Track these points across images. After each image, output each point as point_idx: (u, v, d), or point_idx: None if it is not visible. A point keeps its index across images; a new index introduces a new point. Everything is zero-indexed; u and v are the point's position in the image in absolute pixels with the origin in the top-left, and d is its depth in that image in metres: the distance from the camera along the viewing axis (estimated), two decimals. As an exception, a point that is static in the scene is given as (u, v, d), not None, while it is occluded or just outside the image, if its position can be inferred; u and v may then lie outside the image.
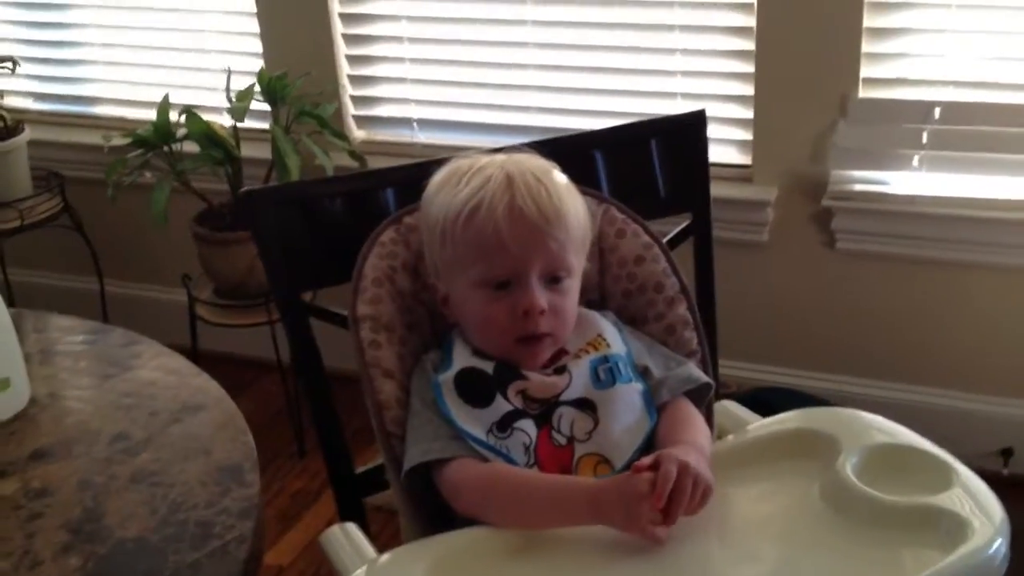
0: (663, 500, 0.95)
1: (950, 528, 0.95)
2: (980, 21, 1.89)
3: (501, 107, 2.26)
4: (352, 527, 1.11)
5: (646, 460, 0.98)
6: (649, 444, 1.09)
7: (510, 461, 1.07)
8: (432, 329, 1.20)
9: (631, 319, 1.23)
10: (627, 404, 1.11)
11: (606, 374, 1.12)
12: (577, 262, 1.14)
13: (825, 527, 1.00)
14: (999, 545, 0.92)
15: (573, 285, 1.14)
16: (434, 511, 1.09)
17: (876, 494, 0.99)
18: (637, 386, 1.13)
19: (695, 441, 1.07)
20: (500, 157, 1.16)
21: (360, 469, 1.22)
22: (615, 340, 1.16)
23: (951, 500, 0.98)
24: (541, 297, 1.10)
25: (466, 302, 1.13)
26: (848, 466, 1.02)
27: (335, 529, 1.10)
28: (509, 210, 1.09)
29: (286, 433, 2.28)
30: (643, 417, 1.11)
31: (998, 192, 1.94)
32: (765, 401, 2.06)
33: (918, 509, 0.97)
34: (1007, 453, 2.01)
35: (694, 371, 1.17)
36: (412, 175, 1.24)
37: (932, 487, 1.00)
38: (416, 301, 1.19)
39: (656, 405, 1.12)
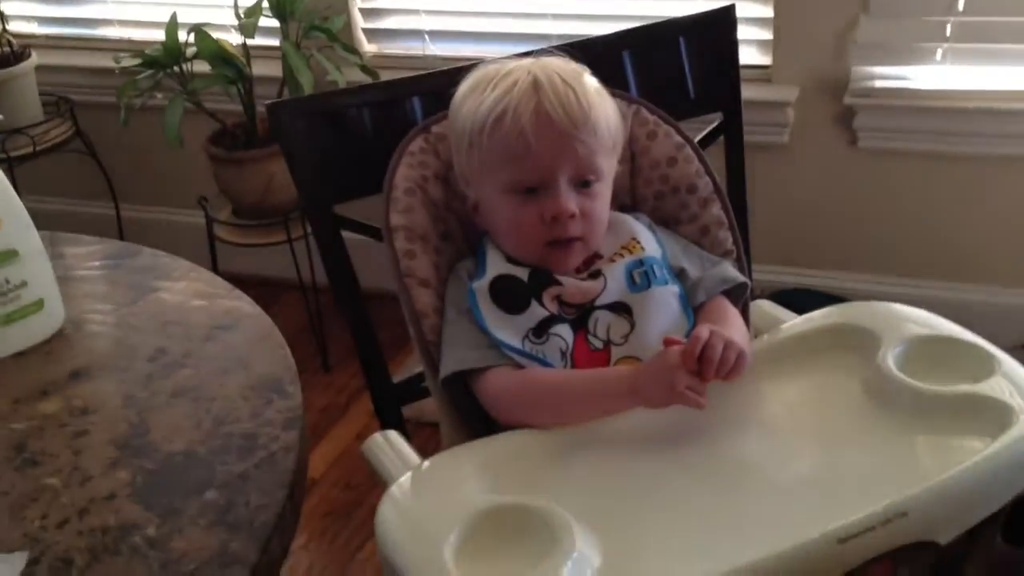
0: (694, 359, 0.97)
1: (994, 415, 0.95)
2: (1006, -94, 1.84)
3: (515, 14, 2.22)
4: (394, 434, 1.12)
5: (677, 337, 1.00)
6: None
7: (546, 366, 1.07)
8: (465, 238, 1.20)
9: (664, 221, 1.22)
10: (663, 306, 1.10)
11: (641, 277, 1.11)
12: (607, 166, 1.13)
13: (868, 420, 1.00)
14: (1044, 430, 0.93)
15: (604, 189, 1.13)
16: (474, 416, 1.10)
17: (919, 384, 0.99)
18: (673, 288, 1.12)
19: (731, 325, 1.07)
20: (528, 61, 1.14)
21: (397, 379, 1.22)
22: (649, 242, 1.15)
23: (994, 387, 0.98)
24: (570, 201, 1.09)
25: (496, 209, 1.12)
26: (889, 358, 1.03)
27: (377, 437, 1.11)
28: (536, 115, 1.08)
29: (310, 349, 2.29)
30: (680, 319, 1.11)
31: (1023, 84, 1.91)
32: (789, 303, 2.07)
33: (961, 397, 0.98)
34: (1030, 347, 2.01)
35: (729, 271, 1.16)
36: (438, 83, 1.22)
37: (974, 376, 1.00)
38: (448, 210, 1.19)
39: (692, 306, 1.12)
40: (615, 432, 1.01)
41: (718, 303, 1.13)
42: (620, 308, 1.10)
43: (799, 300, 2.08)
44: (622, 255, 1.13)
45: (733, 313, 1.13)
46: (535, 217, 1.09)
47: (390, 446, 1.09)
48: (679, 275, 1.14)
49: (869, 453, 0.97)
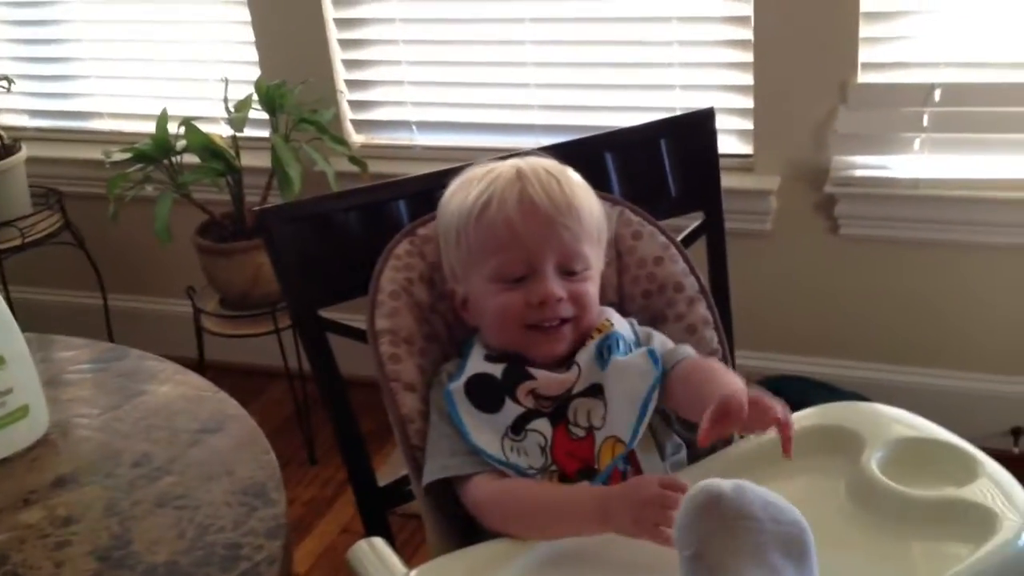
0: (674, 496, 0.92)
1: (978, 520, 0.95)
2: (977, 1, 1.88)
3: (500, 106, 2.26)
4: (379, 541, 1.11)
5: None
6: (654, 398, 1.08)
7: (523, 469, 1.06)
8: (451, 339, 1.20)
9: (652, 319, 1.23)
10: (629, 371, 1.09)
11: (607, 352, 1.11)
12: (594, 256, 1.14)
13: (852, 524, 1.00)
14: (1028, 536, 0.93)
15: (592, 276, 1.14)
16: (458, 520, 1.10)
17: (902, 489, 0.99)
18: (640, 350, 1.11)
19: (740, 386, 1.03)
20: (513, 159, 1.16)
21: (383, 483, 1.22)
22: (619, 321, 1.16)
23: (977, 492, 0.98)
24: (557, 286, 1.10)
25: (483, 299, 1.13)
26: (873, 461, 1.03)
27: (362, 545, 1.10)
28: (520, 201, 1.10)
29: (296, 441, 2.28)
30: (646, 374, 1.08)
31: (1002, 172, 1.94)
32: (775, 389, 2.07)
33: (945, 502, 0.98)
34: (1017, 432, 2.02)
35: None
36: (424, 185, 1.24)
37: (958, 479, 1.00)
38: (433, 312, 1.19)
39: (667, 367, 1.10)
40: (601, 538, 1.00)
41: (697, 360, 1.11)
42: (595, 390, 1.10)
43: (783, 387, 2.10)
44: (593, 337, 1.13)
45: (714, 363, 1.11)
46: (520, 300, 1.10)
47: (375, 554, 1.08)
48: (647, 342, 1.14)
49: (854, 558, 0.97)
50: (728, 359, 1.23)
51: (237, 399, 1.24)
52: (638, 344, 1.14)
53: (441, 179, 1.20)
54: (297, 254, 1.20)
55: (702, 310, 1.23)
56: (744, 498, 0.85)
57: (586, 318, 1.13)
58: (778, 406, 0.95)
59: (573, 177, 1.15)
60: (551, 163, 1.16)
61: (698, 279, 1.24)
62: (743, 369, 2.09)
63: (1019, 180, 1.93)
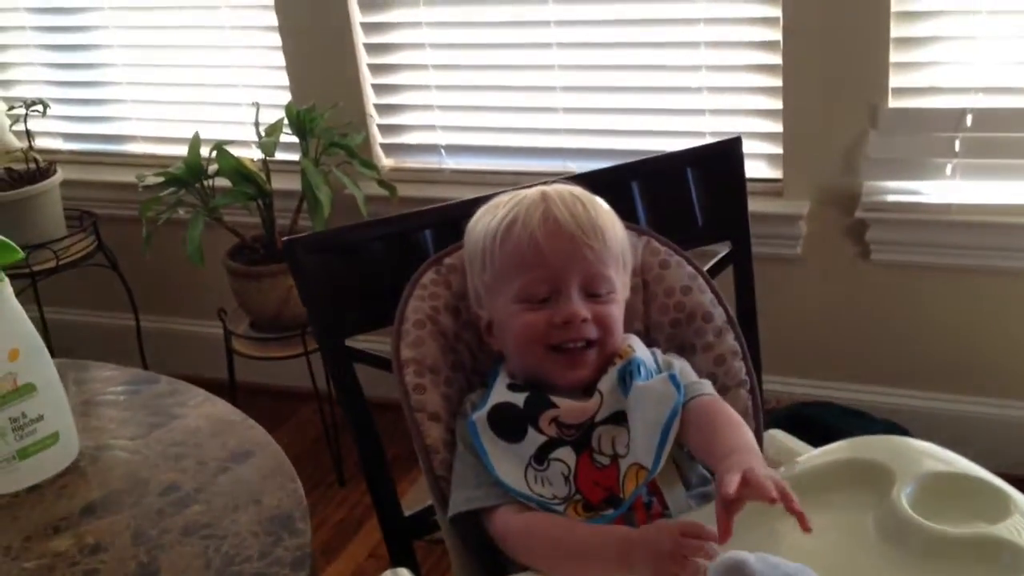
0: (693, 544, 0.93)
1: (1009, 558, 0.94)
2: (1008, 26, 1.87)
3: (528, 130, 2.27)
4: (404, 573, 1.11)
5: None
6: (675, 424, 1.07)
7: (547, 500, 1.06)
8: (475, 368, 1.20)
9: (679, 349, 1.22)
10: (650, 396, 1.09)
11: (629, 378, 1.11)
12: (618, 279, 1.15)
13: (881, 560, 0.99)
14: (1061, 575, 0.91)
15: (616, 300, 1.14)
16: (485, 552, 1.09)
17: (932, 525, 0.98)
18: (661, 375, 1.11)
19: (745, 443, 1.04)
20: (539, 186, 1.17)
21: (410, 510, 1.22)
22: (640, 347, 1.16)
23: (1009, 529, 0.96)
24: (581, 306, 1.10)
25: (507, 321, 1.13)
26: (903, 496, 1.02)
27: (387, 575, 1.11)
28: (544, 221, 1.11)
29: (325, 463, 2.29)
30: (666, 399, 1.08)
31: (1034, 198, 1.93)
32: (807, 416, 2.06)
33: (976, 539, 0.96)
34: (1051, 461, 1.99)
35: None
36: (450, 215, 1.25)
37: (989, 516, 0.99)
38: (459, 341, 1.20)
39: (688, 399, 1.09)
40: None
41: (707, 404, 1.10)
42: (619, 417, 1.10)
43: (812, 412, 2.08)
44: (614, 363, 1.13)
45: (726, 409, 1.10)
46: (544, 320, 1.10)
47: (397, 584, 1.08)
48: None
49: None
50: (756, 389, 1.22)
51: (267, 421, 1.25)
52: (659, 371, 1.14)
53: (467, 208, 1.21)
54: (324, 283, 1.21)
55: (730, 340, 1.22)
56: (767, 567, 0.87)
57: (610, 342, 1.12)
58: (769, 484, 0.93)
59: (598, 201, 1.16)
60: (577, 188, 1.17)
61: (726, 309, 1.24)
62: (773, 394, 2.09)
63: (1053, 206, 1.91)
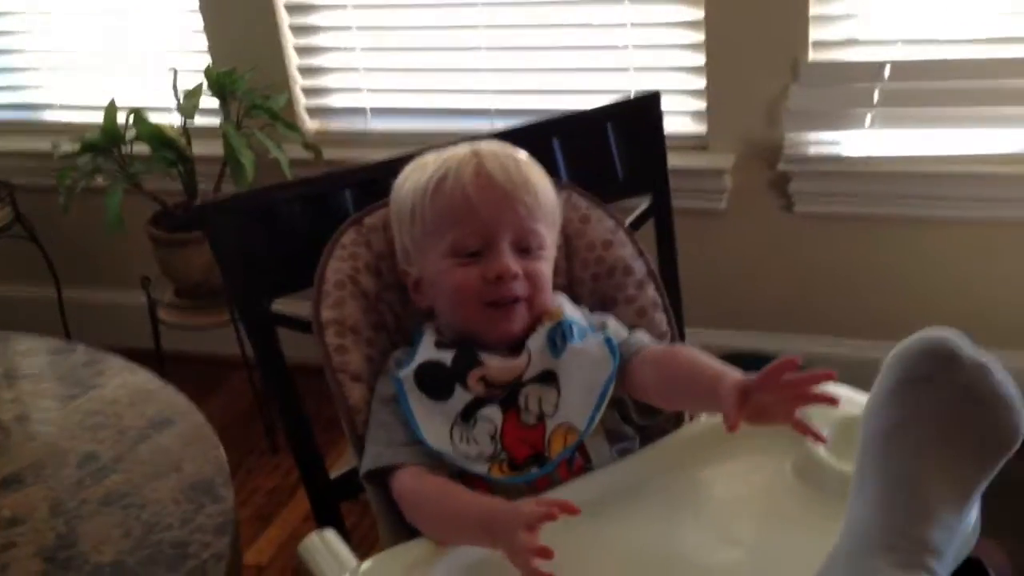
0: (546, 513, 0.91)
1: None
2: (925, -22, 1.90)
3: (455, 91, 2.25)
4: (330, 533, 1.11)
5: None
6: (611, 389, 1.08)
7: (471, 459, 1.06)
8: (399, 328, 1.20)
9: (602, 303, 1.23)
10: (585, 360, 1.09)
11: (561, 340, 1.11)
12: (549, 237, 1.15)
13: (800, 504, 1.01)
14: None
15: (547, 255, 1.14)
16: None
17: (846, 467, 1.00)
18: (595, 337, 1.12)
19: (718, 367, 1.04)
20: (466, 143, 1.17)
21: (334, 475, 1.22)
22: (570, 307, 1.16)
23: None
24: (512, 261, 1.10)
25: (437, 277, 1.12)
26: (819, 440, 1.03)
27: (313, 537, 1.10)
28: (476, 175, 1.11)
29: (258, 430, 2.26)
30: (603, 363, 1.09)
31: (950, 148, 1.96)
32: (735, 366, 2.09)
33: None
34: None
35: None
36: (370, 175, 1.24)
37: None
38: (380, 302, 1.19)
39: (629, 354, 1.10)
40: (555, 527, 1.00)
41: (672, 349, 1.12)
42: (547, 377, 1.10)
43: (740, 363, 2.10)
44: (544, 323, 1.13)
45: (699, 353, 1.09)
46: (476, 277, 1.10)
47: (326, 547, 1.08)
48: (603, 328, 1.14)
49: (803, 540, 0.97)
50: (677, 341, 1.23)
51: (196, 390, 1.23)
52: (593, 330, 1.14)
53: (388, 168, 1.20)
54: (241, 247, 1.19)
55: (651, 292, 1.23)
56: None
57: (539, 298, 1.12)
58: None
59: (528, 159, 1.17)
60: (508, 145, 1.17)
61: (647, 262, 1.24)
62: (699, 346, 2.11)
63: (969, 155, 1.94)
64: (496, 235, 1.10)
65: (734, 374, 1.00)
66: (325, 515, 1.20)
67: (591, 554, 0.97)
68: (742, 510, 1.03)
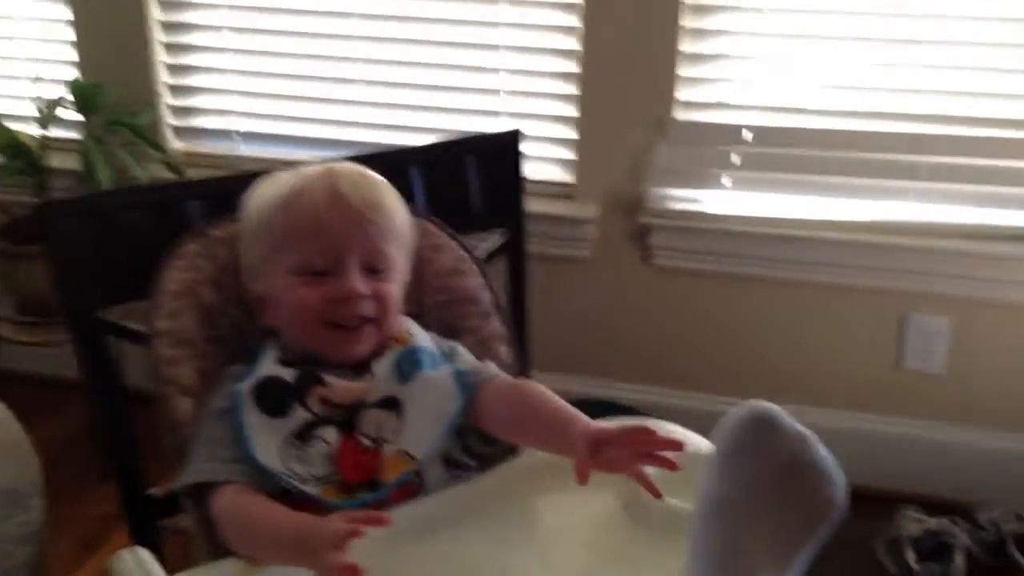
0: (355, 530, 0.89)
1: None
2: (788, 50, 1.98)
3: (328, 121, 2.24)
4: (142, 552, 1.06)
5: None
6: (461, 421, 1.08)
7: (300, 480, 1.04)
8: (240, 345, 1.16)
9: (446, 331, 1.23)
10: (432, 389, 1.09)
11: (409, 366, 1.10)
12: (398, 257, 1.14)
13: (626, 537, 1.02)
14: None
15: (396, 279, 1.13)
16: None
17: (672, 502, 1.01)
18: (445, 369, 1.11)
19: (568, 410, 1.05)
20: (321, 164, 1.16)
21: (153, 491, 1.17)
22: (420, 333, 1.15)
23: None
24: (361, 283, 1.09)
25: (283, 293, 1.10)
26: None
27: (124, 554, 1.05)
28: (328, 193, 1.10)
29: (90, 455, 2.17)
30: (451, 396, 1.09)
31: (804, 212, 2.04)
32: (586, 414, 2.10)
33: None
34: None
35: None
36: (219, 188, 1.22)
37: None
38: (221, 315, 1.16)
39: (475, 384, 1.10)
40: (376, 544, 0.98)
41: (523, 385, 1.11)
42: (390, 403, 1.08)
43: (598, 412, 2.12)
44: (391, 347, 1.12)
45: (548, 392, 1.09)
46: (319, 297, 1.08)
47: (137, 565, 1.03)
48: (452, 358, 1.14)
49: (625, 570, 0.98)
50: (523, 375, 1.23)
51: (30, 411, 1.17)
52: (444, 358, 1.13)
53: (239, 183, 1.18)
54: (79, 249, 1.15)
55: (496, 324, 1.23)
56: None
57: (388, 320, 1.12)
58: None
59: (383, 181, 1.16)
60: (363, 167, 1.17)
61: (495, 295, 1.25)
62: (556, 392, 2.12)
63: (822, 220, 2.02)
64: (345, 254, 1.09)
65: (584, 420, 1.01)
66: (141, 534, 1.15)
67: (413, 573, 0.96)
68: (569, 539, 1.03)
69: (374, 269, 1.11)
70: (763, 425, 0.88)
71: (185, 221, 1.20)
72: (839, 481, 0.88)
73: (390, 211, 1.13)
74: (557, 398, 1.08)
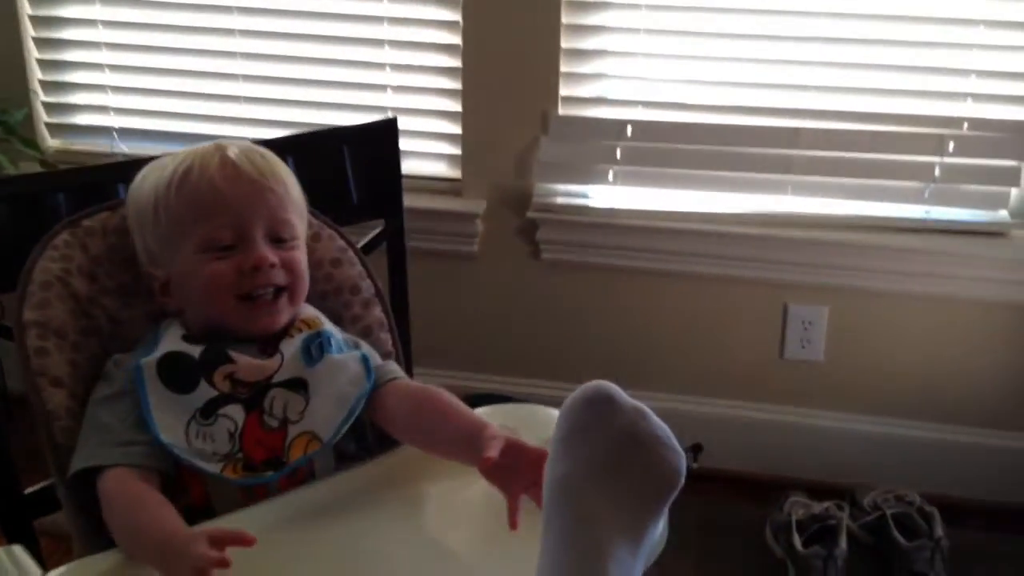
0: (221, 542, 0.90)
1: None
2: (668, 46, 2.03)
3: (209, 118, 2.20)
4: (18, 549, 1.04)
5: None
6: (363, 408, 1.09)
7: (203, 458, 1.03)
8: (115, 335, 1.14)
9: (329, 321, 1.22)
10: (340, 373, 1.10)
11: (317, 350, 1.10)
12: (299, 226, 1.14)
13: (502, 520, 1.02)
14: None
15: (300, 245, 1.14)
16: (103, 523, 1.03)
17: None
18: (353, 353, 1.13)
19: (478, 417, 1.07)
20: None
21: (29, 489, 1.14)
22: (326, 320, 1.16)
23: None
24: (268, 251, 1.08)
25: (189, 275, 1.09)
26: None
27: (-1, 553, 1.03)
28: (222, 166, 1.09)
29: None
30: (358, 381, 1.10)
31: (687, 205, 2.09)
32: (474, 407, 2.11)
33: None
34: (696, 448, 2.15)
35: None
36: (91, 178, 1.19)
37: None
38: (94, 306, 1.14)
39: (382, 377, 1.12)
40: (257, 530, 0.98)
41: (426, 389, 1.12)
42: (296, 384, 1.08)
43: (482, 405, 2.13)
44: (300, 329, 1.12)
45: (453, 398, 1.11)
46: (232, 269, 1.07)
47: (12, 561, 1.00)
48: (357, 347, 1.15)
49: (520, 554, 0.99)
50: (402, 361, 1.24)
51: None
52: (349, 347, 1.14)
53: (108, 173, 1.16)
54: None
55: (377, 313, 1.24)
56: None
57: (299, 288, 1.12)
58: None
59: (271, 153, 1.15)
60: (249, 142, 1.16)
61: (375, 283, 1.26)
62: (446, 387, 2.13)
63: (702, 213, 2.08)
64: (249, 226, 1.08)
65: (494, 426, 1.03)
66: (16, 532, 1.12)
67: (295, 560, 0.95)
68: (456, 525, 1.04)
69: (279, 239, 1.11)
70: (601, 402, 0.91)
71: (52, 212, 1.17)
72: (678, 449, 0.91)
73: (286, 179, 1.13)
74: (465, 406, 1.10)
